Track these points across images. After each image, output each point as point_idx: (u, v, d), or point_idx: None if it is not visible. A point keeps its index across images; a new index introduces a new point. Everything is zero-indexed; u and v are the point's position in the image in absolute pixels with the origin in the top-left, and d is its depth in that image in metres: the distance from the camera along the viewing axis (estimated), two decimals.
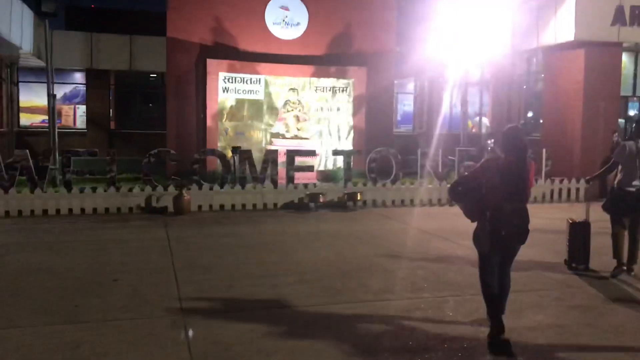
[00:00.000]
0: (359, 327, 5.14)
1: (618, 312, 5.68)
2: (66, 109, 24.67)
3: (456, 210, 9.17)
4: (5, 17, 15.09)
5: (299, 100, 16.31)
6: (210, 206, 11.91)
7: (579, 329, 5.17)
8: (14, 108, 21.72)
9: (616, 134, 14.18)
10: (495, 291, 4.79)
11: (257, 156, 13.48)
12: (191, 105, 16.25)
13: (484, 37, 17.28)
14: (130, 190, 11.63)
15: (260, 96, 16.25)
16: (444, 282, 6.63)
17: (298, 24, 16.76)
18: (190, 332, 4.92)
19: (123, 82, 23.87)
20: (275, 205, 12.28)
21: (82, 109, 23.77)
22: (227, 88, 15.97)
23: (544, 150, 14.15)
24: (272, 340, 4.75)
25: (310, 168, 13.29)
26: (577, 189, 13.90)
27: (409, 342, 4.75)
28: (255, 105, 16.21)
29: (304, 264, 7.34)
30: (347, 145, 16.60)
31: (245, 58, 16.22)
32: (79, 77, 23.64)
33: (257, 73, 16.19)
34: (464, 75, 20.03)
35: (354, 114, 16.94)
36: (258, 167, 12.74)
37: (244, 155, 12.78)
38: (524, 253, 8.17)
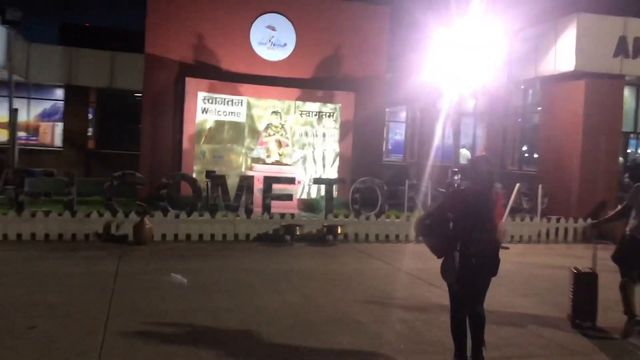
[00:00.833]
0: None
1: None
2: (44, 126, 23.69)
3: None
4: None
5: (281, 124, 15.37)
6: (176, 236, 10.86)
7: None
8: None
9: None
10: (464, 332, 4.76)
11: (234, 182, 12.47)
12: (167, 126, 15.27)
13: (479, 65, 16.47)
14: (88, 215, 10.58)
15: (241, 118, 15.31)
16: (426, 341, 5.59)
17: (285, 44, 15.92)
18: None
19: (105, 101, 22.94)
20: (247, 236, 11.24)
21: (60, 127, 22.79)
22: (206, 109, 15.03)
23: (539, 186, 13.22)
24: None
25: (289, 197, 12.28)
26: (575, 229, 12.95)
27: None
28: (236, 127, 15.26)
29: (264, 313, 6.29)
30: (333, 173, 15.65)
31: (228, 78, 15.31)
32: (60, 93, 22.70)
33: (239, 94, 15.28)
34: (458, 104, 19.22)
35: (340, 141, 16.02)
36: (233, 194, 11.74)
37: (217, 180, 11.78)
38: (519, 304, 7.27)
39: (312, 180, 13.45)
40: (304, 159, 15.69)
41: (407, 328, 5.94)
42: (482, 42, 15.97)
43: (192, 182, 11.86)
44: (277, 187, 12.27)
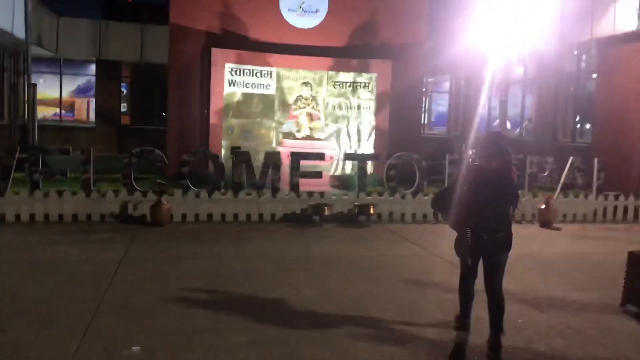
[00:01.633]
0: None
1: None
2: (79, 102, 23.47)
3: None
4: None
5: (312, 96, 14.42)
6: (197, 216, 10.17)
7: None
8: (19, 100, 20.46)
9: None
10: (471, 295, 4.98)
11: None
12: (195, 100, 14.57)
13: (528, 28, 15.11)
14: (103, 195, 9.98)
15: (271, 91, 14.45)
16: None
17: (317, 11, 14.91)
18: None
19: (138, 75, 22.46)
20: (273, 216, 10.46)
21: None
22: (233, 81, 14.21)
23: (595, 160, 11.96)
24: None
25: (318, 174, 11.38)
26: (636, 208, 11.69)
27: None
28: (266, 100, 14.43)
29: (269, 311, 5.50)
30: (369, 148, 14.68)
31: (256, 48, 14.44)
32: (93, 69, 22.33)
33: (268, 65, 14.39)
34: (505, 72, 17.90)
35: (377, 113, 15.00)
36: (259, 172, 10.96)
37: (241, 157, 11.00)
38: (573, 299, 6.16)
39: (343, 156, 12.50)
40: (338, 133, 14.77)
41: (440, 335, 5.05)
42: (531, 1, 14.56)
43: (215, 158, 11.12)
44: (306, 164, 11.43)
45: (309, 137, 14.12)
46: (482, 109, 19.50)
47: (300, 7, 14.85)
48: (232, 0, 14.58)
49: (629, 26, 12.41)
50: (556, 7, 14.53)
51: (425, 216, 10.93)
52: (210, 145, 13.90)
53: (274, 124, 14.48)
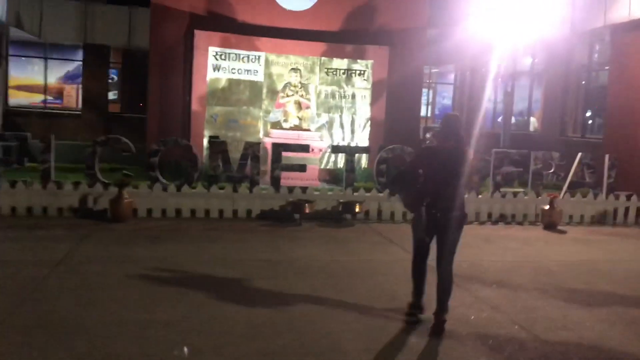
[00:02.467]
0: None
1: None
2: (68, 89, 22.55)
3: (486, 231, 7.98)
4: None
5: (301, 83, 13.43)
6: (164, 212, 9.23)
7: None
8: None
9: None
10: (424, 273, 4.94)
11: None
12: (177, 86, 13.61)
13: (537, 15, 14.06)
14: (60, 187, 9.06)
15: (259, 77, 13.49)
16: None
17: None
18: None
19: (129, 61, 21.53)
20: (249, 213, 9.52)
21: None
22: (218, 66, 13.26)
23: (606, 157, 10.92)
24: None
25: (302, 167, 10.41)
26: None
27: None
28: (253, 88, 13.47)
29: (204, 333, 4.56)
30: (364, 140, 13.71)
31: (243, 31, 13.46)
32: (82, 54, 21.40)
33: (256, 49, 13.43)
34: (512, 63, 16.86)
35: (373, 103, 14.01)
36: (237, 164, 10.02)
37: (217, 147, 10.07)
38: (575, 321, 4.93)
39: (330, 149, 11.54)
40: (330, 124, 13.80)
41: None
42: None
43: (187, 149, 10.18)
44: (291, 156, 10.48)
45: (297, 127, 13.14)
46: (487, 102, 18.47)
47: None
48: None
49: None
50: None
51: None
52: (192, 135, 13.04)
53: (261, 113, 13.53)
